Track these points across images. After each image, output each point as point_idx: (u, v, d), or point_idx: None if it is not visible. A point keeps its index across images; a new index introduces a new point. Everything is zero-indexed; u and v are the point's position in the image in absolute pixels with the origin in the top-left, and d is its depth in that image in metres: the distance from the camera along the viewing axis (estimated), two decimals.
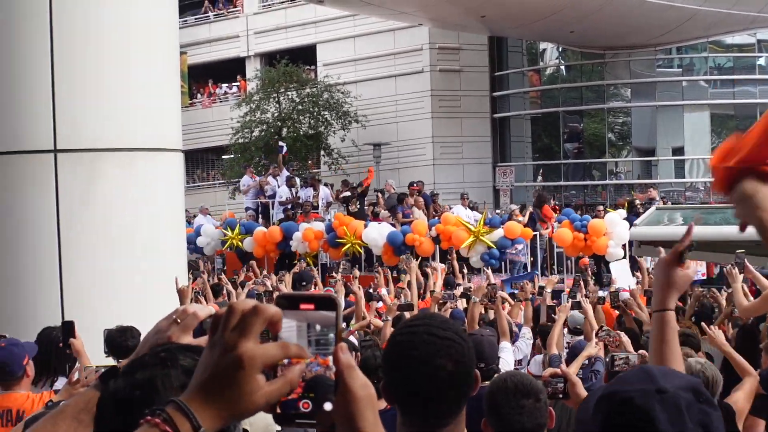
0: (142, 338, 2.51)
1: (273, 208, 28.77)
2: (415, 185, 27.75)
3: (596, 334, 9.18)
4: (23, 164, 8.95)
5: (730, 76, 40.26)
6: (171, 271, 9.58)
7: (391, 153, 38.61)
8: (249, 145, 38.91)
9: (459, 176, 38.45)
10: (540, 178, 41.65)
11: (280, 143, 32.28)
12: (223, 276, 18.90)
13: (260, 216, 28.99)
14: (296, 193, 28.68)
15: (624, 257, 20.72)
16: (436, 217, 25.23)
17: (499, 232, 23.16)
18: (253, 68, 44.26)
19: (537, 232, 24.20)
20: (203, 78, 46.74)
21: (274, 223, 27.06)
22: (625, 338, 8.34)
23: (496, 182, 37.94)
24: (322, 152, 39.71)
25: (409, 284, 13.63)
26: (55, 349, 7.10)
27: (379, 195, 28.11)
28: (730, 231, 11.21)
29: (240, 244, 25.95)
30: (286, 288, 15.78)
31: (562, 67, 43.15)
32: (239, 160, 39.36)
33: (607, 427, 2.20)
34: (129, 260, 9.05)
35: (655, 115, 40.12)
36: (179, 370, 2.01)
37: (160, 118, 9.58)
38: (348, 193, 26.95)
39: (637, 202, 26.31)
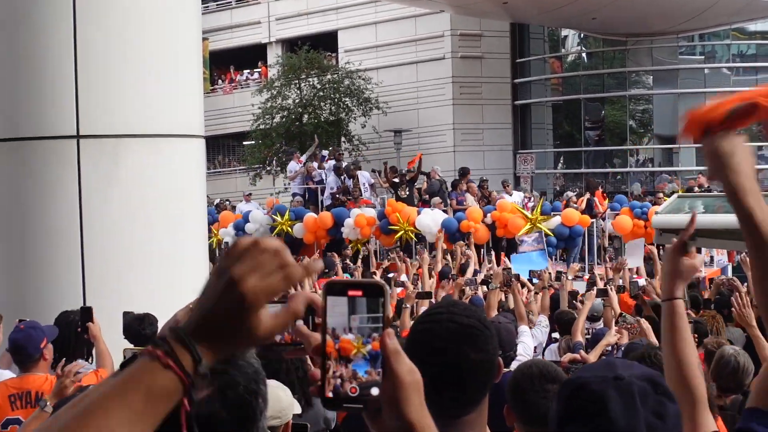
0: (159, 326, 2.53)
1: (322, 194, 28.50)
2: (468, 172, 27.64)
3: (615, 322, 9.18)
4: (46, 150, 8.97)
5: (753, 63, 40.05)
6: (193, 257, 9.61)
7: (412, 139, 38.57)
8: (270, 131, 38.98)
9: (480, 163, 38.37)
10: (561, 165, 41.56)
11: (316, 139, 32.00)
12: None
13: (308, 202, 28.56)
14: (345, 180, 28.16)
15: None
16: (492, 204, 25.00)
17: (556, 220, 23.09)
18: (274, 54, 44.29)
19: (594, 219, 24.08)
20: (225, 64, 46.79)
21: (327, 207, 26.86)
22: (645, 325, 8.33)
23: (517, 169, 37.85)
24: (343, 138, 39.70)
25: (423, 272, 13.64)
26: (74, 333, 7.14)
27: (426, 180, 27.91)
28: None
29: (290, 230, 25.66)
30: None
31: (584, 54, 43.02)
32: (260, 146, 39.43)
33: (565, 410, 2.24)
34: (151, 246, 9.07)
35: (676, 102, 39.94)
36: None
37: (183, 105, 9.59)
38: (397, 179, 26.65)
39: (696, 189, 26.19)
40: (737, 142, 2.79)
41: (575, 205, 24.24)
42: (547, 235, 22.50)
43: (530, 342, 9.11)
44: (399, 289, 13.59)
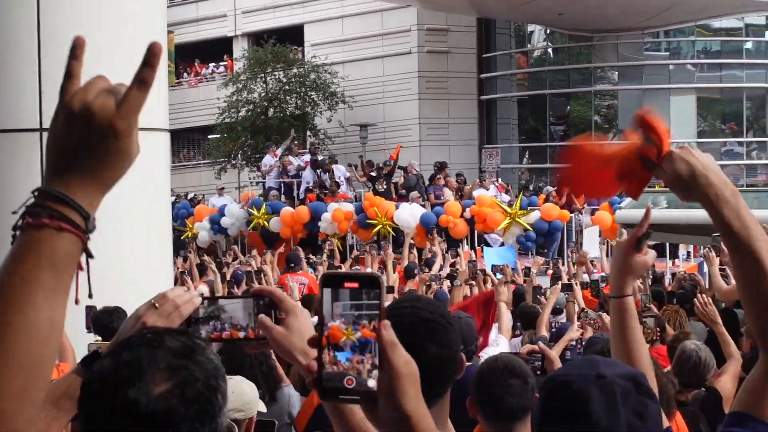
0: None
1: (297, 188, 28.35)
2: (445, 166, 27.61)
3: (578, 317, 9.21)
4: (9, 143, 8.89)
5: (717, 60, 40.31)
6: (157, 251, 9.56)
7: (378, 134, 38.55)
8: (235, 125, 38.83)
9: (445, 158, 38.21)
10: (526, 160, 41.67)
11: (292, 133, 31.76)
12: (206, 256, 18.87)
13: (283, 196, 28.35)
14: (321, 175, 28.06)
15: None
16: (470, 199, 24.93)
17: (536, 214, 23.05)
18: (240, 48, 44.13)
19: (573, 214, 24.05)
20: (190, 57, 46.61)
21: (301, 201, 26.73)
22: (607, 320, 8.35)
23: (482, 164, 37.90)
24: (309, 132, 39.63)
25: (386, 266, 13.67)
26: None
27: (402, 175, 27.82)
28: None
29: (266, 224, 25.51)
30: (270, 269, 15.77)
31: (550, 50, 43.14)
32: (225, 140, 39.29)
33: (546, 408, 2.24)
34: (114, 239, 9.01)
35: (641, 98, 40.11)
36: (166, 351, 2.01)
37: (147, 98, 9.54)
38: (374, 173, 26.49)
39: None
40: (686, 156, 2.73)
41: (554, 200, 24.15)
42: (526, 230, 22.48)
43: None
44: None
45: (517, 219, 22.69)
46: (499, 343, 8.77)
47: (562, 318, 10.69)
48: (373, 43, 41.15)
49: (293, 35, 42.02)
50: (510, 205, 23.67)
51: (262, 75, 39.16)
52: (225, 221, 26.40)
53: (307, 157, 29.06)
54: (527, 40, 43.22)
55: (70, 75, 1.71)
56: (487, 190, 26.04)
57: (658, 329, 8.16)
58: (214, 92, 41.08)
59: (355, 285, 1.76)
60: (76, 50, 1.72)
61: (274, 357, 6.55)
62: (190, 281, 12.05)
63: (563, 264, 14.28)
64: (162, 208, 10.07)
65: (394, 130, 39.18)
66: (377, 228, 23.73)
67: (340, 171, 28.50)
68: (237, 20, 45.37)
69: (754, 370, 2.78)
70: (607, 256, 15.74)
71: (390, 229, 23.63)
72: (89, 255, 1.71)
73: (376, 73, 40.80)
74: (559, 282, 11.20)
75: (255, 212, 25.72)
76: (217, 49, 45.79)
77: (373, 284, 1.77)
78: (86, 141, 1.67)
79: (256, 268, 15.14)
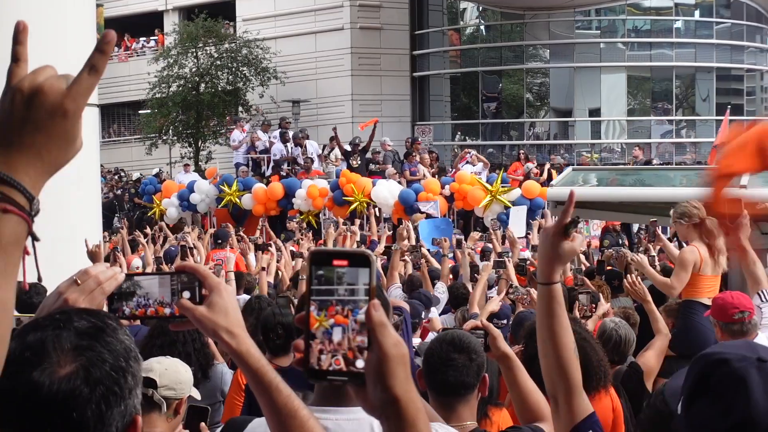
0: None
1: (265, 164, 27.68)
2: (417, 141, 27.26)
3: (506, 293, 9.28)
4: None
5: (648, 39, 40.71)
6: (87, 226, 9.45)
7: (311, 110, 38.44)
8: (166, 100, 38.42)
9: (378, 134, 38.40)
10: (458, 137, 41.79)
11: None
12: (137, 231, 18.67)
13: (251, 172, 27.55)
14: (291, 149, 27.37)
15: None
16: (450, 176, 24.58)
17: (517, 192, 22.62)
18: (171, 22, 43.64)
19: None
20: (120, 31, 45.99)
21: (267, 180, 26.01)
22: (535, 294, 8.42)
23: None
24: (241, 108, 39.37)
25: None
26: None
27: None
28: (644, 193, 11.37)
29: (238, 201, 24.90)
30: (203, 245, 15.65)
31: (482, 27, 43.26)
32: (156, 115, 38.89)
33: (699, 384, 2.16)
34: (41, 216, 8.89)
35: (572, 76, 40.44)
36: (72, 332, 1.97)
37: (74, 72, 9.40)
38: (349, 148, 26.00)
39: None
40: None
41: (536, 177, 24.01)
42: (506, 207, 22.25)
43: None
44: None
45: (498, 197, 22.35)
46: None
47: (492, 293, 10.73)
48: (306, 19, 40.95)
49: (225, 10, 41.65)
50: (489, 182, 23.23)
51: (194, 50, 38.77)
52: (194, 197, 25.75)
53: (277, 133, 28.35)
54: (460, 17, 43.27)
55: (16, 58, 1.68)
56: (474, 165, 25.44)
57: (593, 305, 8.24)
58: (145, 67, 40.57)
59: (345, 263, 1.73)
60: (19, 35, 1.69)
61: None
62: (122, 257, 11.90)
63: (497, 239, 14.29)
64: (91, 184, 9.96)
65: (327, 106, 39.08)
66: (354, 205, 23.18)
67: (312, 147, 27.87)
68: None
69: None
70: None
71: (365, 206, 22.85)
72: (35, 238, 1.68)
73: (309, 48, 40.62)
74: (492, 258, 11.25)
75: (226, 189, 25.09)
76: (148, 23, 45.27)
77: (363, 262, 1.73)
78: (34, 121, 1.65)
79: (192, 244, 14.98)
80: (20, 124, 1.64)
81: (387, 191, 22.91)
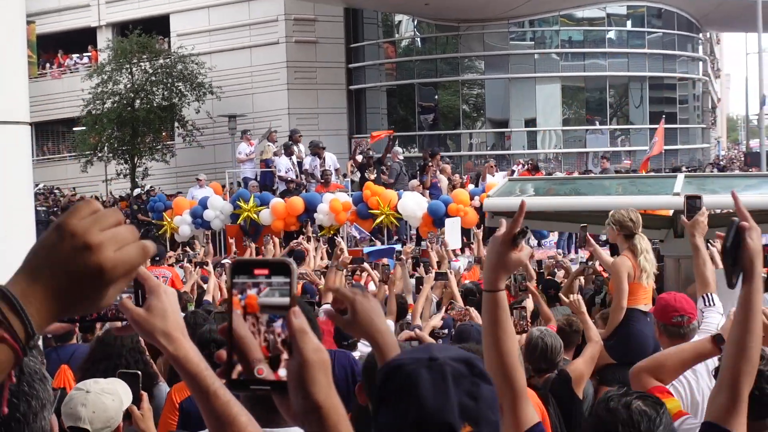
0: None
1: (277, 180, 26.71)
2: (438, 153, 26.29)
3: (446, 310, 9.32)
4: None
5: (581, 50, 41.17)
6: (19, 248, 9.32)
7: (247, 124, 38.30)
8: (101, 116, 38.09)
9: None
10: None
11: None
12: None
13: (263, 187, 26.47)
14: (298, 162, 26.49)
15: None
16: (480, 186, 24.02)
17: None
18: (104, 38, 43.31)
19: None
20: (53, 48, 45.59)
21: (278, 195, 24.89)
22: (474, 312, 8.48)
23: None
24: (176, 124, 39.16)
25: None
26: None
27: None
28: (578, 202, 11.46)
29: (255, 217, 23.68)
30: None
31: (417, 40, 43.47)
32: (91, 132, 38.54)
33: (380, 392, 2.21)
34: None
35: (508, 87, 40.76)
36: None
37: (5, 89, 9.29)
38: (361, 159, 25.31)
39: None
40: None
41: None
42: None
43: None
44: None
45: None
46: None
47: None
48: (241, 33, 40.89)
49: (159, 25, 41.41)
50: None
51: (128, 66, 38.51)
52: (208, 214, 24.46)
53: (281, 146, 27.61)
54: (395, 29, 43.46)
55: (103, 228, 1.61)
56: (493, 176, 25.08)
57: (529, 321, 8.34)
58: (78, 83, 40.22)
59: (265, 271, 1.73)
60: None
61: (147, 354, 6.41)
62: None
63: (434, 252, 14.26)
64: (24, 203, 9.82)
65: (264, 120, 38.97)
66: (380, 218, 22.35)
67: (331, 159, 27.02)
68: (101, 10, 44.59)
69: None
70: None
71: (394, 219, 22.32)
72: (21, 370, 1.63)
73: (244, 63, 40.55)
74: (432, 270, 11.25)
75: (243, 204, 23.89)
76: (81, 39, 44.89)
77: (283, 271, 1.74)
78: (72, 272, 1.58)
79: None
80: (56, 267, 1.58)
81: (414, 203, 22.18)
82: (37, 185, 35.42)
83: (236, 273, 1.74)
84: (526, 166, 28.29)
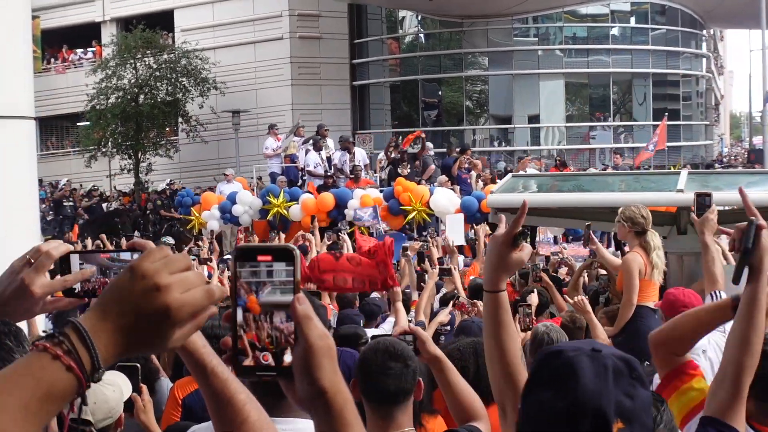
0: None
1: (305, 175, 26.38)
2: (468, 149, 25.92)
3: (452, 304, 9.31)
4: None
5: (584, 46, 41.11)
6: (24, 242, 9.35)
7: (251, 120, 38.30)
8: (105, 112, 38.09)
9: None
10: None
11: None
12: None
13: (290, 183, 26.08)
14: (327, 157, 26.06)
15: None
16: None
17: None
18: (108, 33, 43.29)
19: None
20: (57, 43, 45.58)
21: (306, 190, 24.50)
22: (481, 308, 8.46)
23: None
24: (180, 119, 39.15)
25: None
26: None
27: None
28: (582, 198, 11.44)
29: (285, 212, 23.48)
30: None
31: (421, 36, 43.42)
32: (94, 127, 38.54)
33: (536, 375, 2.20)
34: None
35: (511, 83, 40.73)
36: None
37: (10, 84, 9.30)
38: (393, 153, 25.03)
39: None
40: None
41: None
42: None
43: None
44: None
45: None
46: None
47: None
48: (245, 29, 40.87)
49: (163, 20, 41.45)
50: None
51: (132, 61, 38.49)
52: (237, 209, 24.30)
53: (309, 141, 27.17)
54: (399, 25, 43.42)
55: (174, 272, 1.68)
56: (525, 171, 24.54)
57: (534, 319, 8.34)
58: (83, 78, 40.21)
59: (268, 258, 1.74)
60: None
61: None
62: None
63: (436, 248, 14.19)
64: (28, 197, 9.85)
65: (268, 116, 38.93)
66: (411, 215, 22.04)
67: (361, 155, 26.67)
68: (105, 5, 44.60)
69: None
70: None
71: (426, 215, 21.91)
72: (84, 401, 1.68)
73: (248, 58, 40.54)
74: (437, 267, 11.26)
75: (273, 200, 23.72)
76: (85, 34, 44.91)
77: (287, 257, 1.75)
78: (142, 313, 1.64)
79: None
80: (126, 306, 1.64)
81: (446, 200, 21.90)
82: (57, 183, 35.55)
83: (240, 260, 1.75)
84: (555, 162, 28.50)
